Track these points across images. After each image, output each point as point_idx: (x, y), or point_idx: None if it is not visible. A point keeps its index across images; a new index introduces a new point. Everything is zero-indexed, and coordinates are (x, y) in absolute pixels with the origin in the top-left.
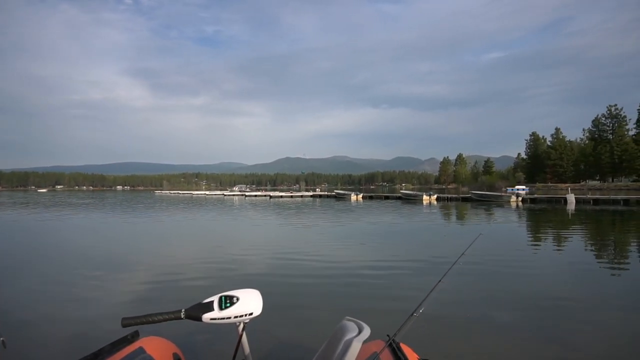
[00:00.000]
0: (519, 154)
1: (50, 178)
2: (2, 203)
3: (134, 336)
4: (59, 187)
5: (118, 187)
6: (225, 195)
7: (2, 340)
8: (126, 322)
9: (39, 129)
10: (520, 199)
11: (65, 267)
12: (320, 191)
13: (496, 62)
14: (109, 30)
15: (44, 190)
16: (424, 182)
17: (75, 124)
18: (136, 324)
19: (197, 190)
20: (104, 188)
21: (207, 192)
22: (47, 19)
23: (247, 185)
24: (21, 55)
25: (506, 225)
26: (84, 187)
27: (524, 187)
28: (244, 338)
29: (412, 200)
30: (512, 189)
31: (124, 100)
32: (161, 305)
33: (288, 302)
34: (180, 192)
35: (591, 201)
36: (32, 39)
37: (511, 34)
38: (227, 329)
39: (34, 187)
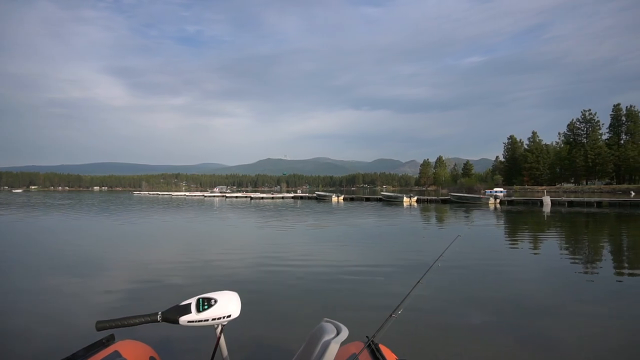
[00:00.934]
0: (497, 156)
1: (24, 178)
2: None
3: (109, 340)
4: (33, 187)
5: (95, 187)
6: (205, 196)
7: None
8: (101, 326)
9: (13, 128)
10: (498, 201)
11: (41, 269)
12: (302, 192)
13: (477, 65)
14: (89, 28)
15: (19, 190)
16: (405, 184)
17: (52, 122)
18: (111, 327)
19: (176, 191)
20: (81, 189)
21: (187, 193)
22: (24, 16)
23: (227, 186)
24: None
25: (484, 227)
26: (60, 188)
27: (501, 189)
28: (222, 340)
29: (392, 202)
30: (490, 191)
31: (103, 99)
32: (138, 308)
33: (267, 304)
34: (159, 193)
35: (566, 203)
36: (8, 36)
37: (491, 39)
38: (205, 331)
39: (7, 187)
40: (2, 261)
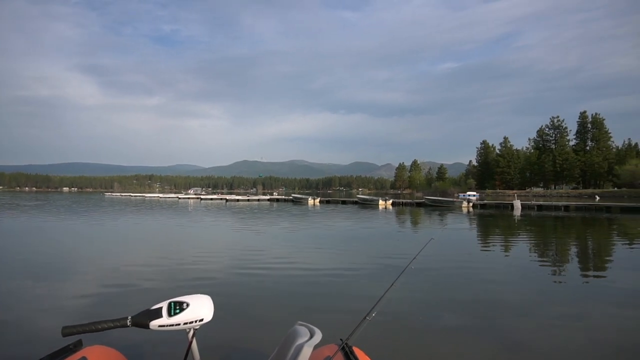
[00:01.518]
0: (470, 161)
1: None
2: None
3: (77, 345)
4: None
5: (65, 188)
6: (179, 198)
7: None
8: (67, 331)
9: None
10: (471, 204)
11: (2, 273)
12: (278, 195)
13: (450, 72)
14: (59, 24)
15: None
16: (380, 187)
17: (18, 121)
18: (78, 333)
19: (150, 192)
20: (49, 189)
21: (161, 195)
22: None
23: (202, 188)
24: None
25: (457, 230)
26: (27, 188)
27: (474, 193)
28: (194, 344)
29: (368, 205)
30: (463, 195)
31: (73, 98)
32: (107, 312)
33: (241, 307)
34: (132, 194)
35: (535, 207)
36: None
37: (464, 46)
38: (177, 335)
39: None
40: None
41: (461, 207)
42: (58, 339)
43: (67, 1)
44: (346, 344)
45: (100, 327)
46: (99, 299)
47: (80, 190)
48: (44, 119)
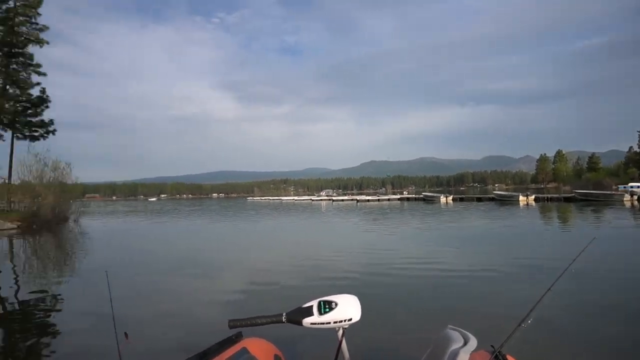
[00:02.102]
0: (630, 147)
1: (156, 188)
2: (134, 211)
3: (238, 337)
4: (162, 196)
5: (214, 194)
6: (312, 200)
7: (125, 333)
8: (232, 324)
9: (142, 144)
10: (635, 197)
11: (172, 269)
12: (408, 194)
13: (593, 49)
14: (200, 49)
15: (153, 199)
16: (519, 182)
17: (173, 137)
18: (241, 326)
19: (285, 195)
20: (202, 196)
21: (296, 198)
22: (147, 43)
23: (333, 189)
24: (125, 77)
25: (622, 229)
26: (184, 196)
27: (639, 184)
28: (344, 344)
29: (507, 201)
30: (625, 187)
31: (215, 113)
32: (259, 308)
33: (385, 308)
34: (270, 198)
35: None
36: (136, 63)
37: (607, 18)
38: (326, 333)
39: (142, 196)
40: (143, 262)
41: (623, 200)
42: (219, 330)
43: (205, 27)
44: (499, 352)
45: (260, 321)
46: (250, 295)
47: (226, 195)
48: (193, 134)
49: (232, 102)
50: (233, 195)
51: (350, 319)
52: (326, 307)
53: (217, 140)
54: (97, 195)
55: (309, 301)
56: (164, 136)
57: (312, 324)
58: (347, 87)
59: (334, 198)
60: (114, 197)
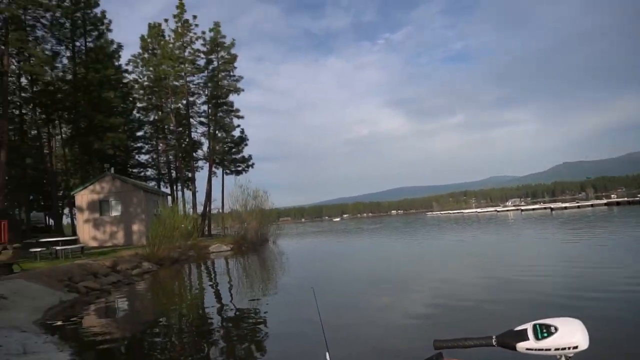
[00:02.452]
0: None
1: (338, 209)
2: (321, 231)
3: (438, 357)
4: (345, 215)
5: (392, 212)
6: (497, 211)
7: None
8: (438, 345)
9: (322, 168)
10: None
11: (365, 284)
12: (617, 197)
13: None
14: (367, 72)
15: (337, 219)
16: None
17: (349, 159)
18: (447, 347)
19: (467, 208)
20: (381, 214)
21: (478, 210)
22: (319, 75)
23: (520, 198)
24: (303, 110)
25: None
26: (365, 215)
27: None
28: None
29: None
30: None
31: (387, 131)
32: (455, 327)
33: (616, 336)
34: (450, 212)
35: None
36: (309, 95)
37: None
38: None
39: (327, 217)
40: (337, 278)
41: None
42: (418, 347)
43: (371, 50)
44: None
45: (467, 344)
46: (444, 313)
47: (405, 212)
48: (366, 154)
49: (403, 118)
50: (412, 211)
51: (576, 347)
52: (544, 331)
53: (390, 157)
54: (288, 218)
55: (519, 324)
56: (340, 159)
57: (527, 349)
58: (527, 84)
59: (522, 207)
60: (303, 219)
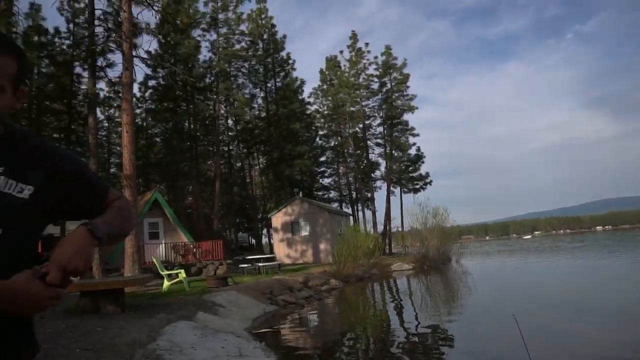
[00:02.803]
0: None
1: (527, 225)
2: (509, 250)
3: None
4: (536, 232)
5: (598, 227)
6: None
7: None
8: None
9: (506, 182)
10: None
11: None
12: None
13: None
14: (553, 73)
15: (527, 236)
16: None
17: (539, 170)
18: None
19: None
20: (582, 230)
21: None
22: (495, 83)
23: None
24: (479, 121)
25: None
26: (561, 231)
27: None
28: None
29: None
30: None
31: (584, 135)
32: None
33: None
34: None
35: None
36: (485, 105)
37: None
38: None
39: (515, 235)
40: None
41: None
42: None
43: (558, 47)
44: None
45: None
46: None
47: (614, 227)
48: (558, 164)
49: (604, 118)
50: (625, 226)
51: None
52: None
53: (590, 165)
54: (471, 236)
55: None
56: (527, 171)
57: None
58: None
59: None
60: (487, 237)
